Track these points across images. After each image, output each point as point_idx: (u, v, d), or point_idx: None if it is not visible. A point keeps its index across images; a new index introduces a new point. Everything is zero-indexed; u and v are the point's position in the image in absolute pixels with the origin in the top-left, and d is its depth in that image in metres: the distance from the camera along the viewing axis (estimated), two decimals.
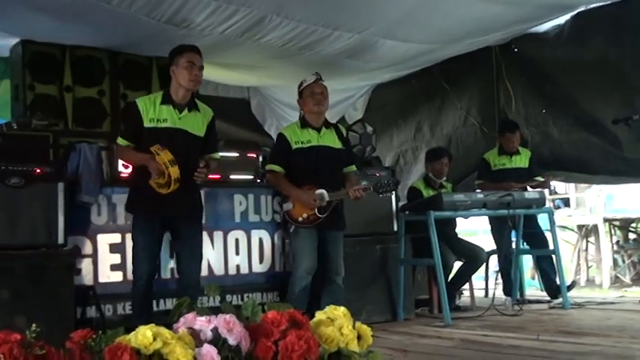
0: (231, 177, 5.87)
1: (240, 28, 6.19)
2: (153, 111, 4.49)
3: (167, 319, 2.41)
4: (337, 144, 5.19)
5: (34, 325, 2.10)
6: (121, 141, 4.57)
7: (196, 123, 4.60)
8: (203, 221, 5.33)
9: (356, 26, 6.48)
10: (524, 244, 7.07)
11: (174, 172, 4.21)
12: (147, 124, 4.47)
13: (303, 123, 5.18)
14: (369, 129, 6.63)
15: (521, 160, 7.13)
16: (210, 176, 5.03)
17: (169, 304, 5.20)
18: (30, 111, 6.11)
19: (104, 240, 5.11)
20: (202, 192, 5.51)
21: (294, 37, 6.52)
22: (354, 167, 5.34)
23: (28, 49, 6.37)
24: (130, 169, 4.99)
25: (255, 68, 7.74)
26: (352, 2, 6.08)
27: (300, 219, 5.01)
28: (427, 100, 8.74)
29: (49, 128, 4.64)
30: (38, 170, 4.45)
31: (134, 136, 4.52)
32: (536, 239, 6.98)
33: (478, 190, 6.96)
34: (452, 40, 7.22)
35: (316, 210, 4.98)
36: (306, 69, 6.96)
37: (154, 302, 4.92)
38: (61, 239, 4.49)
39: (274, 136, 8.79)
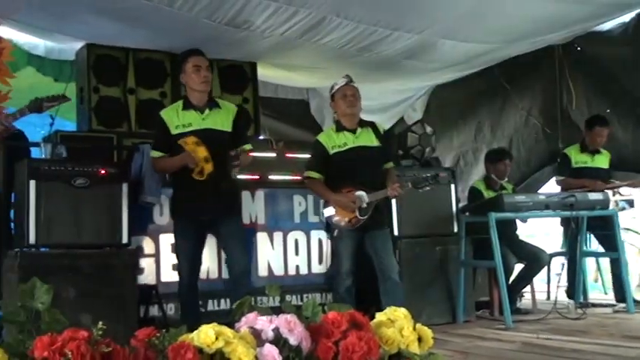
0: (290, 178, 5.89)
1: (299, 30, 6.21)
2: (177, 118, 4.68)
3: (218, 319, 2.43)
4: (374, 142, 5.15)
5: (100, 322, 2.15)
6: (154, 153, 4.79)
7: (220, 119, 4.73)
8: (262, 222, 5.38)
9: (416, 26, 6.43)
10: (600, 246, 6.92)
11: (202, 151, 4.42)
12: (174, 131, 4.66)
13: (338, 126, 5.18)
14: (429, 130, 6.58)
15: (603, 160, 6.98)
16: (249, 177, 5.18)
17: (217, 304, 5.28)
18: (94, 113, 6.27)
19: (166, 240, 5.20)
20: (262, 193, 5.58)
21: (354, 37, 6.51)
22: (391, 164, 5.30)
23: (93, 53, 6.51)
24: None
25: (314, 69, 7.74)
26: (412, 2, 6.04)
27: (343, 223, 5.00)
28: (488, 101, 8.64)
29: (57, 105, 4.68)
30: (103, 171, 4.53)
31: (165, 146, 4.72)
32: (611, 242, 6.72)
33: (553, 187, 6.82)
34: (513, 40, 7.12)
35: (357, 212, 4.96)
36: (365, 70, 6.97)
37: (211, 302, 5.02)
38: (124, 239, 4.57)
39: None
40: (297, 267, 5.74)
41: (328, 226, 5.13)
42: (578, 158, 6.94)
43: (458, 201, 6.41)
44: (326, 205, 5.11)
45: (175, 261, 4.98)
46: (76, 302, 4.21)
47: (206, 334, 2.22)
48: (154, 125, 4.95)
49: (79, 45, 6.67)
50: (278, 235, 5.71)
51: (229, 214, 4.72)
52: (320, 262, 5.82)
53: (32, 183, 4.28)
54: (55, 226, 4.32)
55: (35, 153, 5.26)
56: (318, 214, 5.79)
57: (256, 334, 2.34)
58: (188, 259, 4.66)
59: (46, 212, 4.28)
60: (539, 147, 7.99)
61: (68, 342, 2.04)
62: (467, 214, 6.33)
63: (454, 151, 8.93)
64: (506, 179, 7.02)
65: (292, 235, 5.74)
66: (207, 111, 4.70)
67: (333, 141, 5.12)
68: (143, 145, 5.37)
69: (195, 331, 2.25)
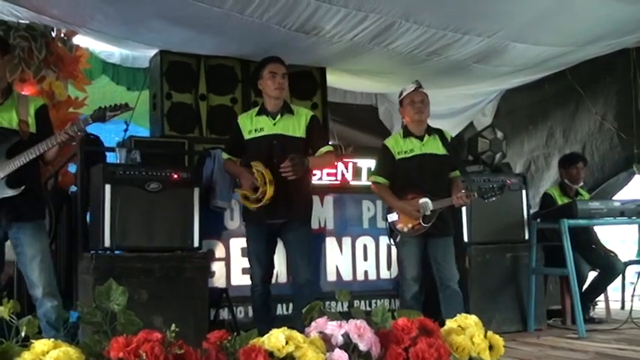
0: (360, 183, 5.89)
1: (369, 35, 6.20)
2: (250, 123, 4.74)
3: (287, 324, 2.45)
4: (441, 150, 5.09)
5: (173, 325, 2.19)
6: (224, 155, 4.89)
7: (292, 125, 4.72)
8: (331, 227, 5.37)
9: (486, 30, 6.35)
10: None
11: (270, 191, 4.39)
12: (247, 136, 4.72)
13: (406, 132, 5.13)
14: (500, 135, 6.49)
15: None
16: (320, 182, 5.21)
17: (286, 308, 5.35)
18: (167, 119, 6.39)
19: (236, 244, 5.27)
20: (331, 198, 5.59)
21: (423, 42, 6.47)
22: (457, 172, 5.21)
23: (166, 60, 6.64)
24: None
25: (383, 74, 7.73)
26: (483, 6, 5.97)
27: (406, 229, 4.96)
28: (560, 105, 8.47)
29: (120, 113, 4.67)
30: (175, 176, 4.60)
31: (235, 150, 4.80)
32: None
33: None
34: (586, 43, 6.96)
35: (420, 219, 4.91)
36: (433, 75, 6.93)
37: (280, 306, 5.05)
38: (196, 242, 4.63)
39: None
40: (366, 272, 5.73)
41: (391, 231, 5.09)
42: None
43: (529, 207, 6.30)
44: (390, 211, 5.08)
45: (246, 265, 5.03)
46: (148, 304, 4.28)
47: (276, 338, 2.24)
48: (229, 128, 5.09)
49: (152, 52, 6.81)
50: (347, 241, 5.72)
51: (299, 220, 4.70)
52: (388, 267, 5.80)
53: (107, 187, 4.38)
54: (128, 230, 4.41)
55: (110, 158, 5.40)
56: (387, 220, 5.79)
57: (326, 338, 2.35)
58: (260, 264, 4.66)
59: (121, 216, 4.37)
60: (614, 152, 7.78)
61: (143, 343, 2.08)
62: (538, 220, 6.21)
63: (525, 156, 8.79)
64: (581, 184, 6.87)
65: (361, 241, 5.74)
66: (278, 117, 4.71)
67: (400, 146, 5.08)
68: (214, 150, 5.44)
69: (266, 335, 2.27)
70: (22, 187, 3.87)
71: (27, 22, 6.33)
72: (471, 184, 5.42)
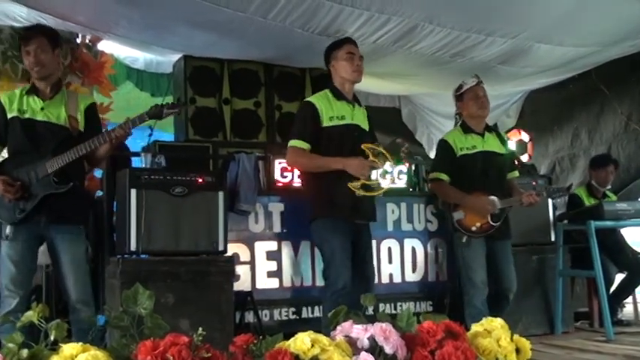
0: (383, 185, 5.87)
1: (391, 37, 6.20)
2: (330, 109, 4.32)
3: (313, 327, 2.45)
4: (501, 149, 5.02)
5: (200, 328, 2.19)
6: (298, 143, 4.30)
7: (363, 117, 4.50)
8: None
9: (510, 31, 6.32)
10: None
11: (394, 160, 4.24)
12: (326, 123, 4.29)
13: (466, 128, 5.00)
14: (525, 136, 6.46)
15: None
16: None
17: (311, 311, 5.33)
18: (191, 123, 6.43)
19: (261, 247, 5.27)
20: None
21: (447, 44, 6.45)
22: (517, 173, 5.15)
23: (190, 64, 6.68)
24: (287, 176, 5.21)
25: (406, 76, 7.72)
26: (506, 7, 5.94)
27: (474, 228, 4.80)
28: (585, 106, 8.41)
29: (177, 112, 4.60)
30: (200, 180, 4.62)
31: (312, 138, 4.28)
32: None
33: None
34: (611, 43, 6.90)
35: (489, 218, 4.79)
36: (457, 76, 6.87)
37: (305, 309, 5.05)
38: (221, 246, 4.64)
39: (425, 145, 8.79)
40: (391, 275, 5.71)
41: (455, 231, 4.88)
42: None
43: (555, 209, 6.25)
44: (455, 209, 4.88)
45: (271, 268, 5.04)
46: (174, 308, 4.30)
47: (302, 342, 2.24)
48: (301, 112, 4.46)
49: (175, 57, 6.86)
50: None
51: (371, 219, 4.51)
52: (414, 270, 5.77)
53: (133, 192, 4.40)
54: (154, 234, 4.43)
55: (135, 163, 5.44)
56: (412, 222, 5.77)
57: (352, 342, 2.35)
58: (349, 261, 4.21)
59: (146, 220, 4.39)
60: None
61: (170, 347, 2.10)
62: (565, 221, 6.17)
63: (549, 157, 8.73)
64: (609, 187, 6.80)
65: (385, 244, 5.71)
66: (356, 106, 4.43)
67: (462, 142, 4.94)
68: (238, 153, 5.46)
69: (292, 339, 2.28)
70: (70, 184, 3.88)
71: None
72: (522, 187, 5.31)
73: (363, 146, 4.23)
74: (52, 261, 4.05)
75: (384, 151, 4.20)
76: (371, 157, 4.19)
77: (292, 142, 4.32)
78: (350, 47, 4.47)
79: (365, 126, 4.47)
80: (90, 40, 6.48)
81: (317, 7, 5.52)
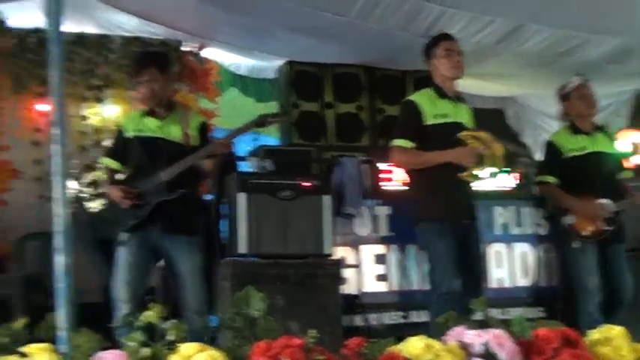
0: (491, 188, 5.79)
1: (495, 38, 6.10)
2: (434, 106, 4.22)
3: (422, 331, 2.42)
4: (612, 148, 4.87)
5: (312, 330, 2.21)
6: (402, 142, 4.20)
7: (467, 115, 4.39)
8: None
9: (621, 29, 6.11)
10: None
11: (498, 148, 4.04)
12: (429, 121, 4.19)
13: (574, 128, 4.85)
14: (638, 136, 6.23)
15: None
16: None
17: (419, 316, 5.29)
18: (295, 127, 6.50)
19: (367, 250, 5.29)
20: None
21: (552, 43, 6.29)
22: (629, 173, 4.97)
23: (293, 69, 6.77)
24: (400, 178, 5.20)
25: (510, 77, 7.58)
26: (615, 3, 5.75)
27: (586, 233, 4.64)
28: None
29: (282, 120, 4.66)
30: (306, 183, 4.66)
31: (416, 136, 4.18)
32: None
33: None
34: None
35: (602, 222, 4.62)
36: (563, 76, 6.69)
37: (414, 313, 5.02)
38: (327, 249, 4.66)
39: (532, 147, 8.58)
40: (500, 280, 5.61)
41: (567, 236, 4.71)
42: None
43: None
44: (566, 213, 4.72)
45: (378, 271, 5.03)
46: (283, 310, 4.34)
47: (414, 346, 2.22)
48: (403, 111, 4.37)
49: (278, 63, 6.95)
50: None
51: (475, 223, 4.38)
52: (524, 275, 5.65)
53: (242, 195, 4.48)
54: (263, 237, 4.49)
55: (243, 167, 5.54)
56: (521, 226, 5.65)
57: (464, 347, 2.31)
58: (453, 262, 4.08)
59: (255, 223, 4.46)
60: None
61: (283, 349, 2.12)
62: None
63: None
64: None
65: (493, 248, 5.61)
66: (458, 103, 4.32)
67: (571, 143, 4.79)
68: (342, 157, 5.49)
69: (403, 342, 2.26)
70: (180, 191, 4.01)
71: (160, 37, 6.60)
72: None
73: (459, 135, 4.06)
74: (168, 269, 4.18)
75: (481, 135, 4.05)
76: (471, 144, 4.04)
77: (396, 142, 4.24)
78: (447, 44, 4.33)
79: (469, 124, 4.35)
80: (195, 48, 6.65)
81: (418, 9, 5.50)
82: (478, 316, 2.51)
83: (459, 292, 4.01)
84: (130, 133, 4.19)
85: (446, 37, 4.42)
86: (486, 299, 2.70)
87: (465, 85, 7.57)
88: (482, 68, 7.03)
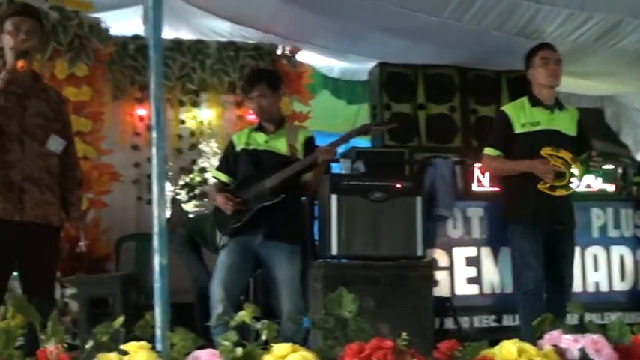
0: (588, 190, 5.64)
1: (593, 35, 5.95)
2: (523, 115, 4.36)
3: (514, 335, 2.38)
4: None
5: (403, 333, 2.21)
6: (490, 151, 4.44)
7: (566, 122, 4.40)
8: None
9: None
10: None
11: (577, 169, 4.20)
12: (518, 129, 4.34)
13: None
14: None
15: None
16: None
17: (512, 319, 5.16)
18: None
19: (460, 253, 5.23)
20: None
21: None
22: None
23: (385, 71, 6.78)
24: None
25: (608, 75, 7.39)
26: None
27: None
28: None
29: (385, 128, 4.72)
30: (398, 185, 4.65)
31: (503, 145, 4.38)
32: None
33: None
34: None
35: None
36: None
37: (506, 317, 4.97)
38: (419, 251, 4.63)
39: (632, 147, 8.33)
40: (597, 284, 5.45)
41: None
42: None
43: None
44: None
45: (470, 274, 4.97)
46: (374, 312, 4.34)
47: (508, 350, 2.20)
48: (494, 121, 4.69)
49: (370, 64, 6.97)
50: (575, 250, 5.48)
51: (571, 230, 4.42)
52: (622, 279, 5.47)
53: (334, 197, 4.51)
54: (354, 238, 4.50)
55: (335, 168, 5.58)
56: (619, 228, 5.49)
57: (560, 352, 2.27)
58: (534, 263, 4.22)
59: (346, 225, 4.48)
60: None
61: (375, 350, 2.13)
62: None
63: None
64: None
65: (590, 251, 5.46)
66: (556, 110, 4.39)
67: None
68: (435, 158, 5.45)
69: (497, 346, 2.24)
70: (281, 197, 4.09)
71: (254, 42, 6.72)
72: None
73: (542, 152, 4.23)
74: (266, 274, 4.27)
75: (562, 155, 4.21)
76: (552, 162, 4.21)
77: (485, 150, 4.49)
78: (544, 52, 4.44)
79: (569, 130, 4.38)
80: (289, 51, 6.74)
81: (514, 7, 5.42)
82: (574, 320, 2.46)
83: (541, 294, 4.17)
84: (239, 148, 4.35)
85: (543, 46, 4.52)
86: (583, 303, 2.65)
87: (563, 83, 7.43)
88: (579, 67, 6.87)
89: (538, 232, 4.27)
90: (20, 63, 3.28)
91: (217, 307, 4.01)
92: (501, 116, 4.47)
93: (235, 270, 4.13)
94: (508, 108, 4.49)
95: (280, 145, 4.27)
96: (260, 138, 4.32)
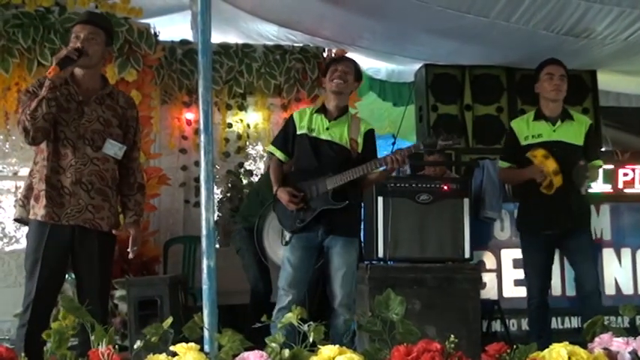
0: (638, 191, 5.55)
1: None
2: (527, 129, 4.57)
3: (562, 338, 2.36)
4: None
5: (451, 336, 2.20)
6: (502, 164, 4.71)
7: (572, 132, 4.50)
8: (608, 237, 5.10)
9: None
10: None
11: (550, 164, 4.27)
12: (523, 142, 4.55)
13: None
14: None
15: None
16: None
17: (561, 322, 5.18)
18: (434, 131, 6.45)
19: (507, 255, 5.19)
20: (607, 207, 5.32)
21: None
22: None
23: (431, 72, 6.75)
24: None
25: None
26: None
27: None
28: None
29: (452, 147, 4.85)
30: (445, 187, 4.62)
31: (513, 157, 4.61)
32: None
33: None
34: None
35: None
36: None
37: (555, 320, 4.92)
38: (467, 253, 4.59)
39: None
40: None
41: None
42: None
43: None
44: None
45: (518, 276, 4.92)
46: (421, 314, 4.32)
47: (558, 353, 2.18)
48: (505, 135, 4.96)
49: (416, 66, 6.94)
50: (626, 252, 5.39)
51: (579, 227, 4.49)
52: None
53: (380, 199, 4.50)
54: (400, 241, 4.49)
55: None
56: None
57: (611, 355, 2.24)
58: (538, 275, 4.51)
59: (393, 227, 4.46)
60: None
61: (422, 353, 2.12)
62: None
63: None
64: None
65: None
66: (559, 122, 4.51)
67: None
68: (483, 160, 5.41)
69: (547, 350, 2.22)
70: (345, 203, 4.09)
71: (301, 44, 6.75)
72: None
73: (528, 154, 4.41)
74: (324, 265, 4.28)
75: (535, 153, 4.35)
76: (536, 163, 4.34)
77: (499, 162, 4.79)
78: (549, 68, 4.57)
79: (575, 140, 4.50)
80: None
81: (563, 6, 5.36)
82: (625, 323, 2.43)
83: (545, 304, 4.48)
84: (300, 131, 4.27)
85: (550, 61, 4.65)
86: (635, 306, 2.61)
87: (613, 83, 7.35)
88: (631, 65, 6.79)
89: (547, 239, 4.45)
90: (50, 69, 3.31)
91: (283, 302, 4.05)
92: (509, 131, 4.77)
93: (300, 269, 4.15)
94: (515, 123, 4.72)
95: (341, 136, 4.21)
96: (322, 123, 4.24)
